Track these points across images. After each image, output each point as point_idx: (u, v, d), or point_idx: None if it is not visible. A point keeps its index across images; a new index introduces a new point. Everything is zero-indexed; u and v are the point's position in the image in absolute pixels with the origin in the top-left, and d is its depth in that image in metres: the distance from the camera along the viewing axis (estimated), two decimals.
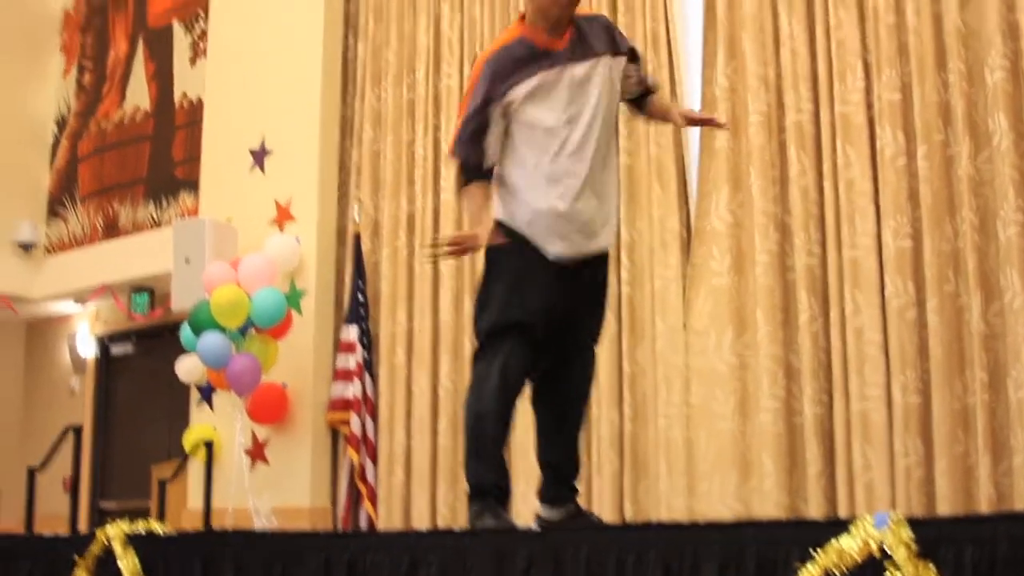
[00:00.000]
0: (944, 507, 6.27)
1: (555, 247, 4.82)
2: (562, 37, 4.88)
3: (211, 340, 8.47)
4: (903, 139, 6.85)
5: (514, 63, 4.85)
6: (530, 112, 4.85)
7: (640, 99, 5.26)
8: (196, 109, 10.93)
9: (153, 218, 11.29)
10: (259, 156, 9.67)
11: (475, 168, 4.89)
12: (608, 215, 4.97)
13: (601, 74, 4.90)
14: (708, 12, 7.81)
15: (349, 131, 9.70)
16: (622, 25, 8.07)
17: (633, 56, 5.09)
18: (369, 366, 8.85)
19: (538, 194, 4.83)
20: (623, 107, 5.31)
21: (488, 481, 4.83)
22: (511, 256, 4.85)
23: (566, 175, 4.80)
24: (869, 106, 7.05)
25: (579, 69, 4.86)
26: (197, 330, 8.56)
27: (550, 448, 5.07)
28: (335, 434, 9.05)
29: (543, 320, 4.82)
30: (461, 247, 4.89)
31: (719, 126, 5.67)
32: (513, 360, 4.78)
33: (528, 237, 4.83)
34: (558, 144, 4.81)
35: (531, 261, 4.82)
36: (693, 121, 5.71)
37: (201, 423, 9.53)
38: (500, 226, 4.87)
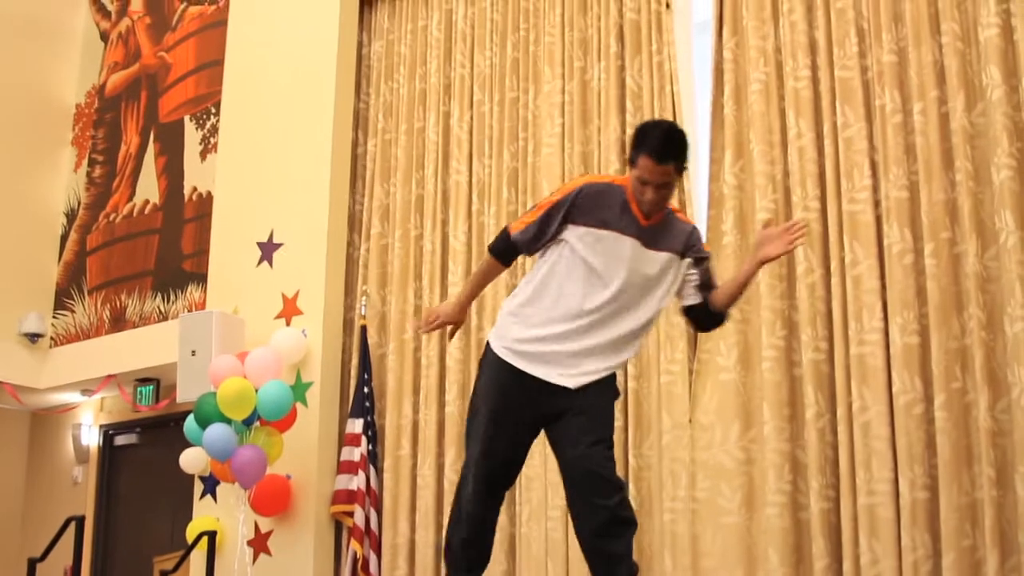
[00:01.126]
0: None
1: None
2: (649, 217, 5.02)
3: (217, 432, 8.45)
4: (910, 237, 6.91)
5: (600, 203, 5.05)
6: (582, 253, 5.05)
7: (701, 306, 5.28)
8: (205, 203, 11.01)
9: (160, 311, 11.32)
10: (267, 249, 9.72)
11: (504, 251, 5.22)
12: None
13: (662, 266, 5.08)
14: (715, 111, 7.90)
15: (357, 225, 9.77)
16: (631, 125, 8.17)
17: (699, 262, 5.18)
18: (374, 458, 8.84)
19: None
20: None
21: None
22: None
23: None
24: (876, 204, 7.11)
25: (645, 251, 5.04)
26: (202, 422, 8.55)
27: None
28: (339, 526, 9.01)
29: None
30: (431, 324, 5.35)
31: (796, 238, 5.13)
32: None
33: None
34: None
35: None
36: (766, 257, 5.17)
37: (204, 514, 9.49)
38: None
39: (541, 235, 5.12)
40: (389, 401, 9.03)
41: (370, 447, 8.81)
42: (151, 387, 11.43)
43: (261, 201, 9.92)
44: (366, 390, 8.96)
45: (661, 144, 4.86)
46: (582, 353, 5.02)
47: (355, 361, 9.23)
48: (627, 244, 5.00)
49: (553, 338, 5.03)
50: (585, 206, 5.03)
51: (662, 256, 5.08)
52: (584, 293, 5.02)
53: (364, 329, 9.17)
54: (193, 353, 9.34)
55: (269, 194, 9.88)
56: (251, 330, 9.49)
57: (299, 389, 9.11)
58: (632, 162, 4.96)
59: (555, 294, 5.07)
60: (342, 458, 8.90)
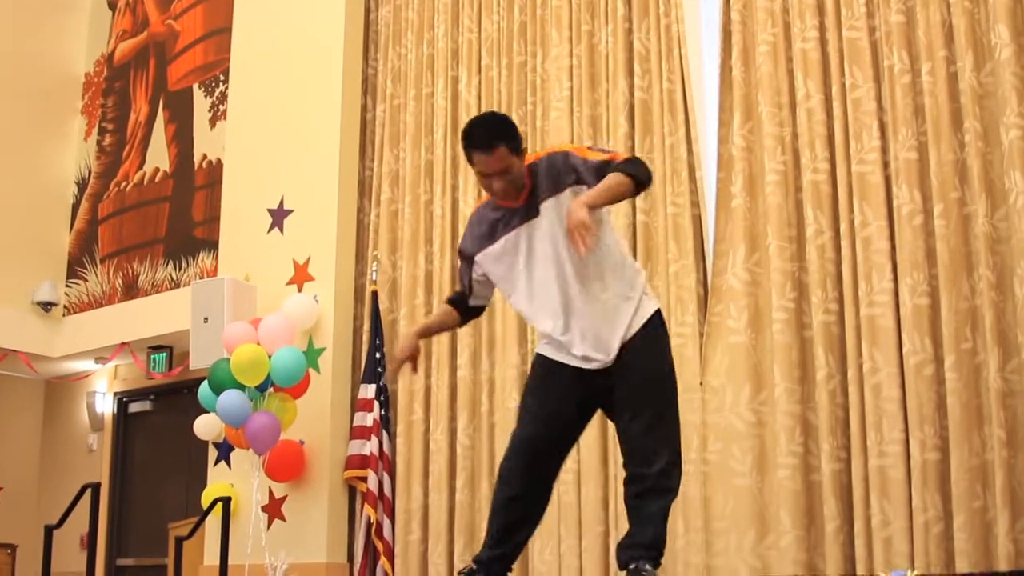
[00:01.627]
0: (963, 563, 6.25)
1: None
2: (517, 198, 5.01)
3: (230, 398, 8.49)
4: (920, 198, 6.90)
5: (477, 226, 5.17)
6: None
7: None
8: (215, 170, 11.03)
9: (172, 278, 11.35)
10: (278, 216, 9.74)
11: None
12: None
13: (549, 217, 4.97)
14: (724, 73, 7.88)
15: (367, 191, 9.78)
16: (639, 88, 8.16)
17: (580, 179, 4.96)
18: (386, 423, 8.87)
19: None
20: None
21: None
22: None
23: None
24: (885, 165, 7.10)
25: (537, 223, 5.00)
26: (216, 388, 8.59)
27: None
28: (352, 491, 9.06)
29: None
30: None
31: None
32: None
33: None
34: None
35: None
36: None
37: (218, 480, 9.54)
38: None
39: (466, 283, 5.26)
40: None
41: (383, 412, 8.84)
42: (164, 354, 11.48)
43: (271, 168, 9.94)
44: (378, 355, 8.98)
45: (464, 141, 4.94)
46: (579, 342, 5.01)
47: (367, 326, 9.26)
48: (521, 235, 5.01)
49: (557, 342, 5.07)
50: (470, 240, 5.15)
51: (548, 205, 4.97)
52: (537, 307, 5.04)
53: (375, 295, 9.19)
54: (205, 320, 9.39)
55: (279, 161, 9.89)
56: (263, 296, 9.52)
57: (311, 355, 9.14)
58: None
59: (529, 318, 5.21)
60: (355, 423, 8.94)
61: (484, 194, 5.13)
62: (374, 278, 9.26)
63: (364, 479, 8.75)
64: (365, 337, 9.26)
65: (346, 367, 9.34)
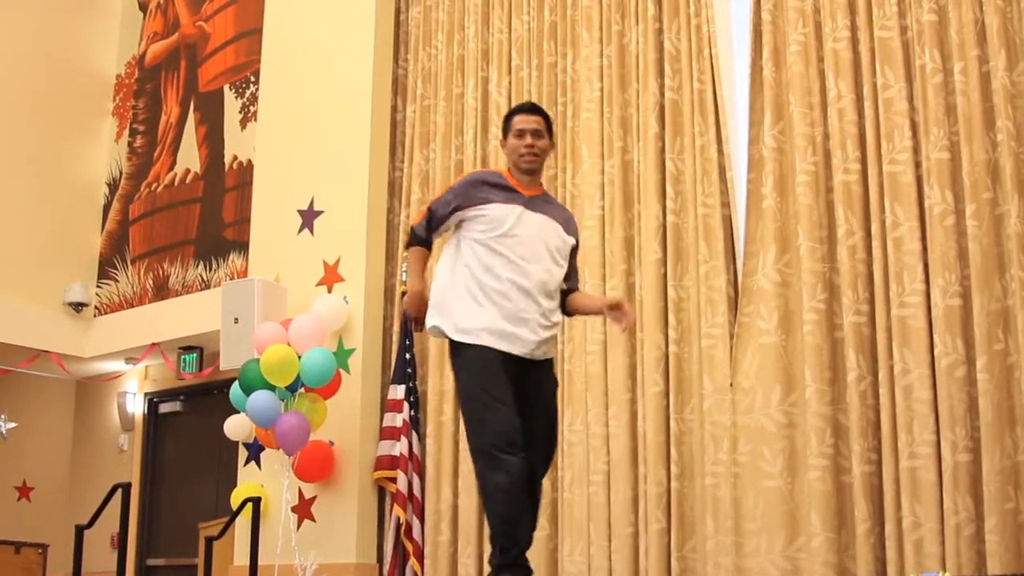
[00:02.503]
0: (995, 565, 6.21)
1: None
2: (531, 186, 5.92)
3: (261, 399, 8.51)
4: (952, 198, 6.86)
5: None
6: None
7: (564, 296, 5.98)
8: (246, 171, 11.06)
9: (202, 279, 11.39)
10: (308, 217, 9.76)
11: None
12: None
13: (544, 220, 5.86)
14: (755, 73, 7.86)
15: (397, 192, 9.79)
16: (670, 88, 8.16)
17: (575, 248, 5.96)
18: (416, 424, 8.87)
19: None
20: None
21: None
22: None
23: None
24: (917, 165, 7.06)
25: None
26: (247, 389, 8.61)
27: None
28: (382, 492, 9.06)
29: None
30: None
31: (622, 322, 5.81)
32: None
33: None
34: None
35: None
36: (611, 307, 5.85)
37: (248, 481, 9.57)
38: None
39: (439, 229, 6.07)
40: (431, 366, 9.05)
41: (412, 413, 8.84)
42: (195, 355, 11.53)
43: (301, 169, 9.96)
44: (408, 356, 8.98)
45: (521, 106, 6.17)
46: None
47: (396, 327, 9.27)
48: (517, 210, 5.87)
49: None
50: (464, 195, 5.96)
51: (548, 217, 5.96)
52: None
53: (405, 295, 9.17)
54: (236, 321, 9.41)
55: (309, 161, 9.91)
56: (293, 297, 9.54)
57: (341, 356, 9.16)
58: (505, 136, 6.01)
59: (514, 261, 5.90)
60: (384, 424, 8.95)
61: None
62: (404, 279, 9.26)
63: (394, 480, 8.75)
64: (395, 338, 9.27)
65: (376, 368, 9.34)
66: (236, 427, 9.56)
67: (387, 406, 9.00)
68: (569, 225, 5.99)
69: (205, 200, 11.65)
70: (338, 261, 9.47)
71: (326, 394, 8.75)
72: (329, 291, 9.43)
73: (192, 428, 12.12)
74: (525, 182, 5.88)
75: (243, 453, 9.79)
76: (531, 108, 6.03)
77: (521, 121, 5.90)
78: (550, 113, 8.67)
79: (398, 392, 8.91)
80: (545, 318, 5.72)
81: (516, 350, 5.62)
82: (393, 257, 9.59)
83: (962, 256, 6.78)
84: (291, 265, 9.72)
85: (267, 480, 9.36)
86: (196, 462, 11.86)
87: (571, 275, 5.97)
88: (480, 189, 5.80)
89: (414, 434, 8.83)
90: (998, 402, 6.46)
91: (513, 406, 5.52)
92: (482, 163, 9.19)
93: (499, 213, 5.72)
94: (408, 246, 6.07)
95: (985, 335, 6.55)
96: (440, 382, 8.89)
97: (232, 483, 9.84)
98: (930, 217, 6.89)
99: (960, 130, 6.87)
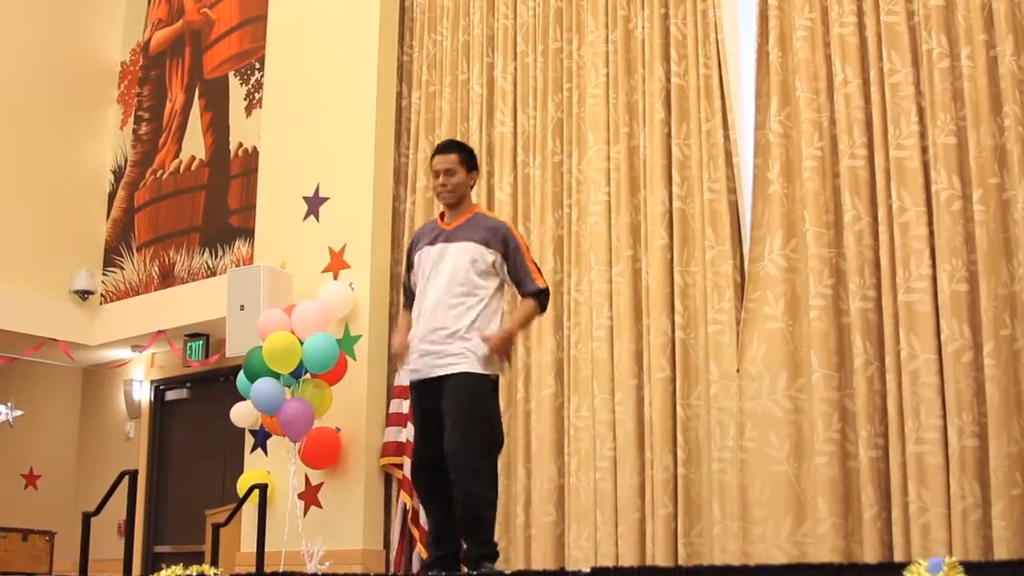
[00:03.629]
0: (1002, 551, 6.20)
1: None
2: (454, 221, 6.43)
3: (264, 385, 8.51)
4: (959, 183, 6.84)
5: None
6: None
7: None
8: (251, 158, 11.06)
9: (208, 266, 11.40)
10: (313, 204, 9.76)
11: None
12: None
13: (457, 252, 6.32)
14: (761, 58, 7.85)
15: (403, 178, 9.78)
16: (676, 74, 8.14)
17: (508, 260, 6.35)
18: None
19: None
20: None
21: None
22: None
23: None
24: (924, 150, 7.05)
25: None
26: (252, 376, 8.61)
27: None
28: (388, 478, 9.07)
29: None
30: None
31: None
32: None
33: None
34: None
35: None
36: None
37: (255, 468, 9.57)
38: None
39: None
40: None
41: None
42: (201, 342, 11.54)
43: (307, 155, 9.95)
44: None
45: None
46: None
47: None
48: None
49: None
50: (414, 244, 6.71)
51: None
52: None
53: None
54: (242, 308, 9.41)
55: (314, 148, 9.90)
56: (299, 284, 9.54)
57: (347, 342, 9.16)
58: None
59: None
60: (391, 410, 8.96)
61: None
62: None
63: (400, 466, 8.75)
64: None
65: (382, 354, 9.34)
66: (242, 414, 9.56)
67: (393, 392, 9.01)
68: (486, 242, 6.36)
69: (210, 187, 11.64)
70: (344, 248, 9.46)
71: (331, 380, 8.75)
72: (335, 278, 9.43)
73: (198, 415, 12.14)
74: (449, 216, 6.45)
75: (249, 440, 9.80)
76: (441, 148, 6.55)
77: (434, 163, 6.47)
78: (556, 98, 8.80)
79: (404, 379, 8.91)
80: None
81: None
82: (399, 244, 9.58)
83: (969, 241, 6.77)
84: (297, 252, 9.72)
85: (274, 467, 9.37)
86: (203, 449, 11.88)
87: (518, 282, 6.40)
88: (412, 251, 6.59)
89: None
90: (1005, 387, 6.45)
91: None
92: (487, 149, 9.19)
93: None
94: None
95: (992, 320, 6.54)
96: None
97: (239, 470, 9.84)
98: (937, 202, 6.87)
99: (967, 115, 6.86)
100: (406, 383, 6.75)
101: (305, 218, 9.78)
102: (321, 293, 9.18)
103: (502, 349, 6.18)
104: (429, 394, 6.19)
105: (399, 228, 9.65)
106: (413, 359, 6.26)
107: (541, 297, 6.37)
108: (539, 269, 6.45)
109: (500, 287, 6.35)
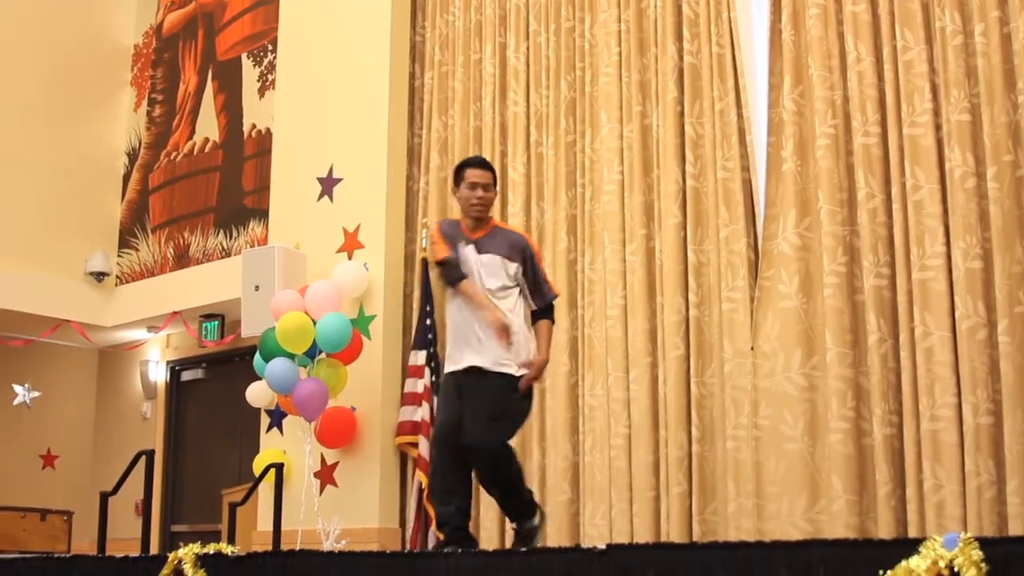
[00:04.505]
0: (1016, 527, 6.22)
1: None
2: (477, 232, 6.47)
3: (278, 365, 8.54)
4: (972, 160, 6.83)
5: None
6: None
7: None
8: (265, 139, 11.07)
9: (223, 247, 11.43)
10: (327, 184, 9.76)
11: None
12: None
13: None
14: (774, 36, 7.83)
15: (416, 158, 9.79)
16: (689, 52, 8.13)
17: (525, 269, 6.46)
18: (437, 389, 8.86)
19: None
20: None
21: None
22: None
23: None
24: (937, 128, 7.04)
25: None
26: (267, 356, 8.63)
27: None
28: (404, 457, 9.10)
29: None
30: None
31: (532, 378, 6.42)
32: None
33: None
34: None
35: None
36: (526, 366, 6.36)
37: (271, 447, 9.61)
38: None
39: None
40: None
41: (433, 378, 8.85)
42: (216, 323, 11.58)
43: (320, 136, 9.96)
44: (428, 322, 9.01)
45: (469, 160, 6.70)
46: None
47: (417, 293, 9.29)
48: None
49: None
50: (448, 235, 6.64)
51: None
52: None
53: (425, 262, 9.19)
54: (257, 288, 9.42)
55: (328, 129, 9.91)
56: (313, 264, 9.55)
57: (362, 322, 9.18)
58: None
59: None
60: (406, 390, 8.98)
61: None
62: (424, 245, 9.27)
63: (415, 445, 8.78)
64: (415, 304, 9.28)
65: (397, 334, 9.36)
66: (258, 394, 9.60)
67: (408, 372, 9.03)
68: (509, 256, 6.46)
69: (224, 169, 11.67)
70: (358, 228, 9.48)
71: (346, 359, 8.77)
72: (349, 258, 9.44)
73: (214, 395, 12.19)
74: (472, 225, 6.50)
75: (265, 419, 9.83)
76: (481, 163, 6.64)
77: (474, 175, 6.48)
78: (569, 78, 8.80)
79: (419, 358, 8.94)
80: None
81: None
82: (412, 224, 9.59)
83: (983, 219, 6.76)
84: (311, 232, 9.73)
85: (289, 446, 9.40)
86: (219, 429, 11.93)
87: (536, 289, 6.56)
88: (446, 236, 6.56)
89: (435, 399, 8.84)
90: (1019, 365, 6.45)
91: None
92: (500, 129, 9.19)
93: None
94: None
95: (1006, 298, 6.53)
96: None
97: (255, 449, 9.89)
98: (951, 180, 6.86)
99: (981, 92, 6.85)
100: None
101: (319, 199, 9.79)
102: (335, 273, 9.20)
103: (538, 378, 6.54)
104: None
105: (413, 208, 9.66)
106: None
107: (554, 310, 6.64)
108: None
109: (520, 293, 6.47)
